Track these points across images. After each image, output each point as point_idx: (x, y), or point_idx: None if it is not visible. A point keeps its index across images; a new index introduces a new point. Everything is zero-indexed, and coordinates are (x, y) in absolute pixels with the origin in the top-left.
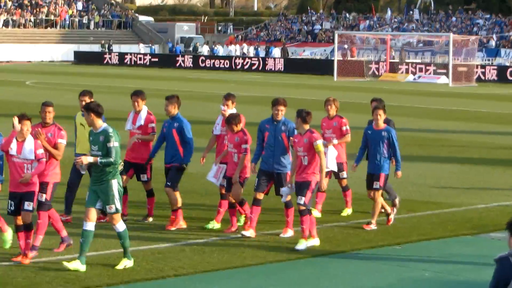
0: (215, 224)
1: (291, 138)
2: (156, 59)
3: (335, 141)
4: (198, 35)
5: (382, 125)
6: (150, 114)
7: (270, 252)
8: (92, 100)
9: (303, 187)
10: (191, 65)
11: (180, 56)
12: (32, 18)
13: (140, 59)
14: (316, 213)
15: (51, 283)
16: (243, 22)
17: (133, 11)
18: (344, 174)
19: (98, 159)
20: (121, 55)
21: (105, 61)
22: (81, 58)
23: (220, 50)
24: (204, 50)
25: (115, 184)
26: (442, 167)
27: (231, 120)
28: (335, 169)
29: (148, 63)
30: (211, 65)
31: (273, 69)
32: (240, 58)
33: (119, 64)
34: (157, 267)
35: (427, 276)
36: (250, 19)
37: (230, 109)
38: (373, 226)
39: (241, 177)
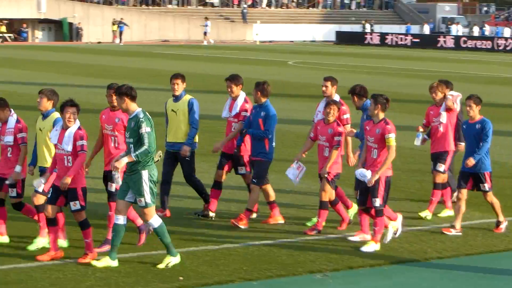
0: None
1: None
2: (417, 40)
3: (444, 119)
4: (460, 16)
5: (476, 117)
6: (247, 101)
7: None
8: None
9: (373, 186)
10: (453, 46)
11: (441, 36)
12: None
13: (401, 39)
14: (449, 212)
15: (315, 262)
16: (505, 3)
17: None
18: (442, 167)
19: (132, 155)
20: (382, 36)
21: (366, 41)
22: (342, 38)
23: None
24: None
25: (146, 175)
26: None
27: (333, 104)
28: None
29: (409, 43)
30: (473, 46)
31: None
32: (503, 39)
33: (380, 44)
34: (420, 249)
35: None
36: None
37: (329, 93)
38: (503, 228)
39: (329, 174)
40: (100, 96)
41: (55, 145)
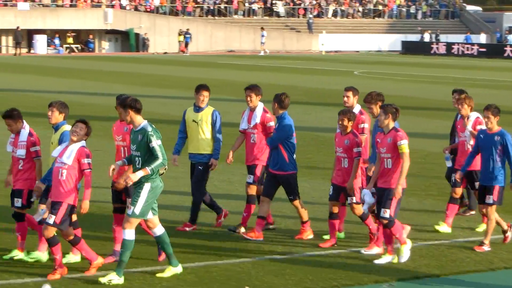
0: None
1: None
2: (484, 49)
3: (471, 142)
4: None
5: (495, 128)
6: (267, 111)
7: None
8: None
9: (386, 196)
10: None
11: (508, 46)
12: (360, 8)
13: (467, 49)
14: (445, 228)
15: (381, 271)
16: None
17: (461, 0)
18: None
19: (148, 169)
20: (448, 45)
21: (432, 51)
22: (408, 48)
23: None
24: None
25: (147, 188)
26: None
27: (343, 114)
28: None
29: (475, 53)
30: None
31: None
32: None
33: (446, 54)
34: (486, 259)
35: None
36: None
37: (351, 104)
38: (486, 248)
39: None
40: (166, 106)
41: (56, 159)
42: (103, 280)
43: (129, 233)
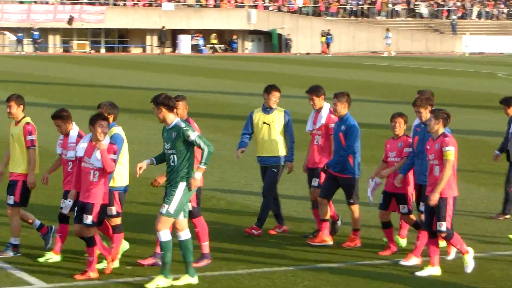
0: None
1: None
2: None
3: None
4: None
5: None
6: (332, 112)
7: None
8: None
9: (439, 207)
10: None
11: None
12: (505, 10)
13: None
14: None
15: None
16: None
17: None
18: None
19: (201, 165)
20: None
21: None
22: None
23: None
24: None
25: (182, 187)
26: None
27: (395, 118)
28: None
29: None
30: None
31: None
32: None
33: None
34: None
35: None
36: None
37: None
38: None
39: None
40: (303, 106)
41: (80, 158)
42: (150, 286)
43: (164, 235)
